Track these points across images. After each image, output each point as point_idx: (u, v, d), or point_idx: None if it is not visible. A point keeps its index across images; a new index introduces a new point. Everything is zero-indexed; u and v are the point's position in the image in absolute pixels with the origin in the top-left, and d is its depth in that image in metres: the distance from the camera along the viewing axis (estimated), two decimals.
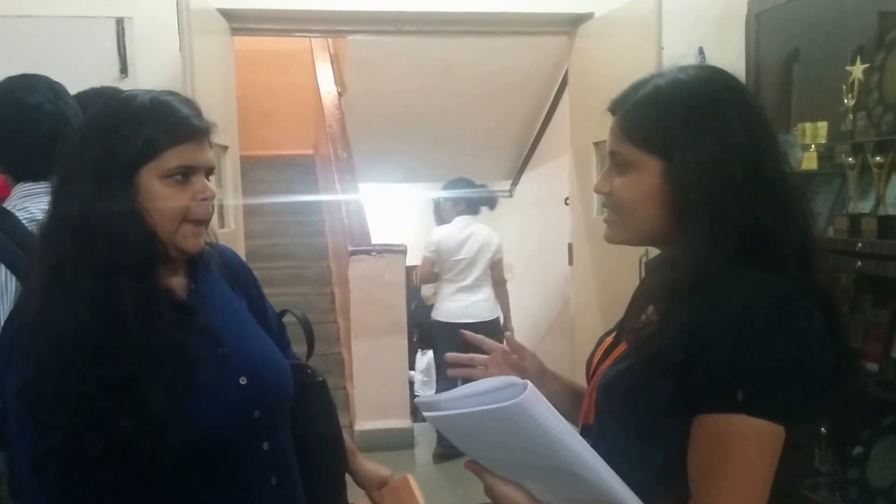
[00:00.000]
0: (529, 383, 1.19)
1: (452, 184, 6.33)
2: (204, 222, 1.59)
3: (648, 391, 1.33)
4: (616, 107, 1.46)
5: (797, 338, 1.25)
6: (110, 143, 1.50)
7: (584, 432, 1.35)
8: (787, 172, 1.42)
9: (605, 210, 1.50)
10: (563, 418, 1.23)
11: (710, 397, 1.25)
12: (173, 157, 1.51)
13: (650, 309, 1.44)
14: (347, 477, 1.97)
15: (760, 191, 1.33)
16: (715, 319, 1.26)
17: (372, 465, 2.00)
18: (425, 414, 1.36)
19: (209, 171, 1.60)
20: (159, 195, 1.51)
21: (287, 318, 1.97)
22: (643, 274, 1.65)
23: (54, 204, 1.54)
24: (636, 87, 1.44)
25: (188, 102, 1.60)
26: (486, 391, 1.25)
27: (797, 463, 1.33)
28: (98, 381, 1.41)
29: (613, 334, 1.58)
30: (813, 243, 1.39)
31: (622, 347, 1.47)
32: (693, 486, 1.28)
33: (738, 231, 1.31)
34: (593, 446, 1.27)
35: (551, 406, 1.22)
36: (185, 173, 1.54)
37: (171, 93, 1.61)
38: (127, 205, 1.49)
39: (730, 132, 1.33)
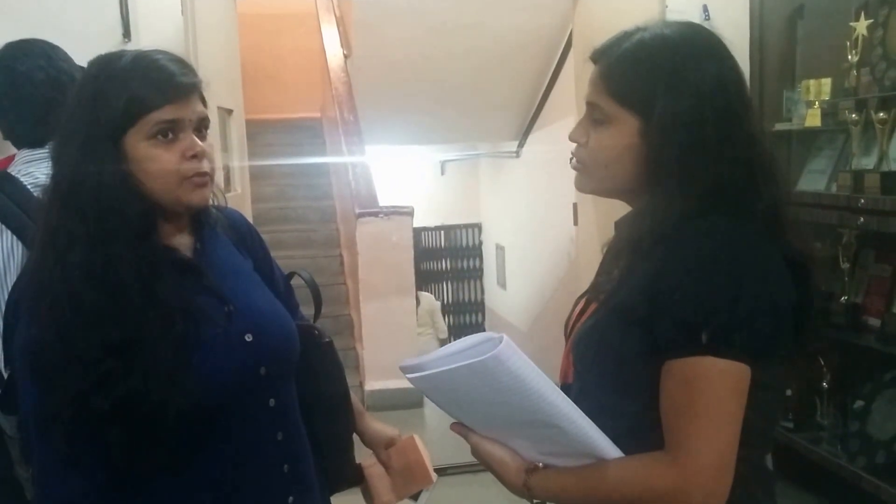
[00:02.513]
0: (505, 336, 1.22)
1: None
2: (203, 176, 1.55)
3: (617, 342, 1.36)
4: (599, 56, 1.47)
5: (757, 279, 1.28)
6: (95, 108, 1.48)
7: (564, 391, 1.38)
8: (759, 135, 1.44)
9: (575, 157, 1.51)
10: (539, 371, 1.26)
11: (676, 342, 1.27)
12: (156, 117, 1.48)
13: (618, 268, 1.46)
14: (355, 437, 1.97)
15: (731, 154, 1.35)
16: (676, 266, 1.29)
17: (379, 426, 1.99)
18: (408, 377, 1.38)
19: (200, 125, 1.56)
20: (146, 157, 1.49)
21: (295, 281, 1.96)
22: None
23: (52, 170, 1.54)
24: (619, 40, 1.45)
25: (176, 60, 1.55)
26: (465, 348, 1.28)
27: (770, 404, 1.36)
28: (100, 343, 1.42)
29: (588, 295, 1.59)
30: (782, 202, 1.41)
31: (594, 307, 1.49)
32: (665, 430, 1.30)
33: (703, 188, 1.33)
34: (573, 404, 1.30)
35: (527, 358, 1.24)
36: (171, 130, 1.50)
37: (160, 51, 1.57)
38: (114, 170, 1.47)
39: (707, 93, 1.35)
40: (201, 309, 1.54)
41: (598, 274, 1.57)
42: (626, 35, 1.45)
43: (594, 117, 1.45)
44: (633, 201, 1.48)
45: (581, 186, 1.52)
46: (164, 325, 1.46)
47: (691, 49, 1.39)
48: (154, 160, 1.50)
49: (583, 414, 1.30)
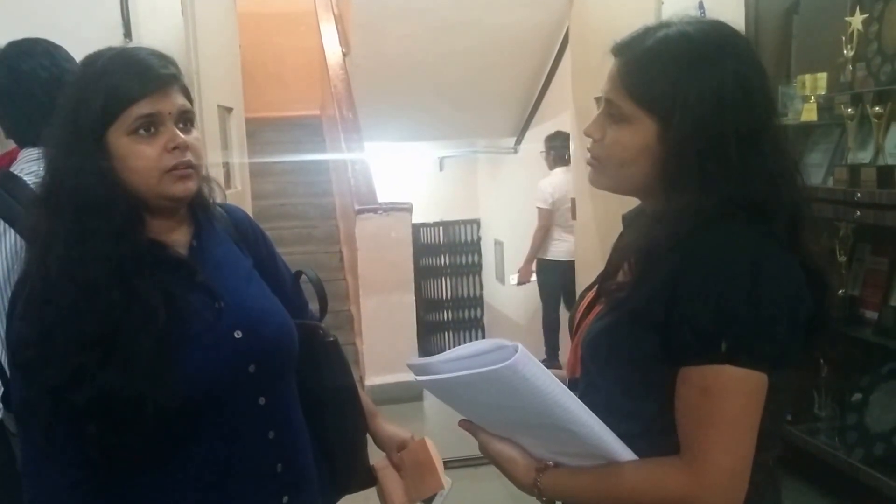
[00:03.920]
0: (520, 345, 1.21)
1: (552, 137, 7.16)
2: (186, 167, 1.55)
3: (631, 347, 1.35)
4: (620, 51, 1.42)
5: (777, 288, 1.26)
6: (76, 107, 1.50)
7: (571, 386, 1.37)
8: (782, 136, 1.41)
9: (590, 153, 1.47)
10: (554, 377, 1.26)
11: (694, 350, 1.26)
12: (135, 110, 1.49)
13: (626, 265, 1.45)
14: (368, 439, 1.95)
15: (753, 161, 1.32)
16: (695, 273, 1.26)
17: (391, 428, 1.96)
18: (416, 378, 1.37)
19: (182, 118, 1.56)
20: (129, 153, 1.50)
21: (301, 279, 1.95)
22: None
23: (44, 170, 1.56)
24: (643, 36, 1.40)
25: (156, 54, 1.56)
26: (475, 353, 1.27)
27: (780, 406, 1.36)
28: (77, 338, 1.43)
29: (595, 289, 1.58)
30: (803, 206, 1.39)
31: (603, 305, 1.47)
32: (682, 437, 1.30)
33: (722, 194, 1.30)
34: (580, 399, 1.30)
35: (542, 366, 1.24)
36: (152, 124, 1.50)
37: (141, 47, 1.58)
38: (95, 167, 1.48)
39: (729, 96, 1.31)
40: (189, 304, 1.54)
41: (607, 270, 1.55)
42: (649, 31, 1.39)
43: (611, 113, 1.41)
44: (648, 199, 1.46)
45: (595, 183, 1.48)
46: (145, 321, 1.46)
47: (714, 49, 1.34)
48: (136, 155, 1.50)
49: (597, 418, 1.30)
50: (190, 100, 1.60)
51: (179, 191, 1.55)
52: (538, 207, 7.01)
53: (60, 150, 1.50)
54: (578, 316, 1.59)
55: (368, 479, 1.93)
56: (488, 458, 1.46)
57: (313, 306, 1.98)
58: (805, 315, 1.31)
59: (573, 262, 6.27)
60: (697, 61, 1.33)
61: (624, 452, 1.33)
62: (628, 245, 1.49)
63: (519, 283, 7.28)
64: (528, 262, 7.14)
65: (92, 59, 1.56)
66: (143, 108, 1.49)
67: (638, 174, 1.40)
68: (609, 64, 1.44)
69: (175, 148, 1.52)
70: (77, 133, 1.49)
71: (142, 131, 1.50)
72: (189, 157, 1.54)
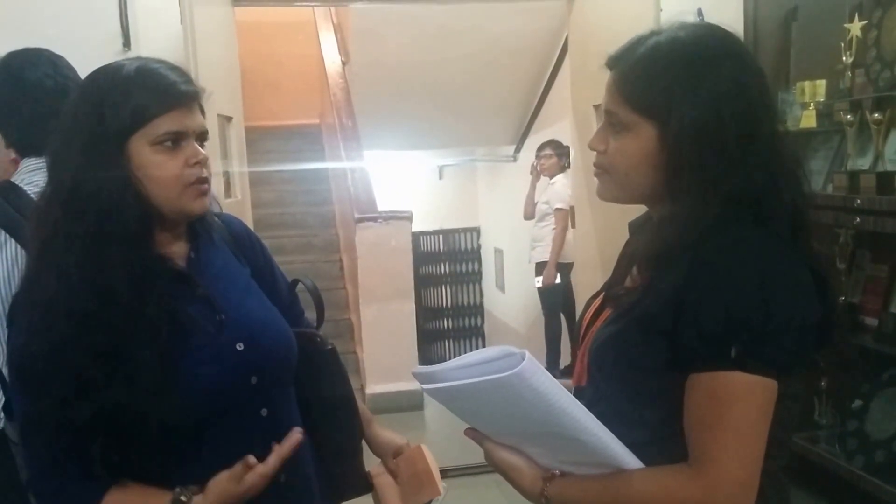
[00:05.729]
0: (527, 352, 1.21)
1: (544, 145, 7.35)
2: (204, 182, 1.58)
3: (640, 353, 1.34)
4: (614, 63, 1.44)
5: (786, 293, 1.26)
6: (99, 114, 1.49)
7: (578, 395, 1.36)
8: (782, 138, 1.41)
9: (595, 166, 1.48)
10: (561, 385, 1.25)
11: (704, 356, 1.26)
12: (162, 124, 1.51)
13: (635, 270, 1.44)
14: (364, 445, 1.95)
15: (753, 158, 1.32)
16: (704, 278, 1.26)
17: (388, 434, 1.97)
18: (423, 386, 1.36)
19: (201, 136, 1.59)
20: (150, 163, 1.51)
21: (298, 287, 1.95)
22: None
23: (49, 177, 1.55)
24: (634, 45, 1.41)
25: (176, 69, 1.58)
26: (482, 361, 1.26)
27: (788, 414, 1.35)
28: (85, 350, 1.43)
29: (601, 296, 1.58)
30: (805, 208, 1.38)
31: (610, 310, 1.48)
32: (690, 443, 1.29)
33: (726, 195, 1.30)
34: (587, 408, 1.29)
35: (549, 374, 1.23)
36: (175, 139, 1.53)
37: (159, 60, 1.60)
38: (116, 173, 1.49)
39: (725, 96, 1.32)
40: (191, 318, 1.54)
41: (614, 277, 1.55)
42: (641, 40, 1.41)
43: (612, 123, 1.42)
44: (655, 206, 1.46)
45: (602, 194, 1.49)
46: (150, 335, 1.46)
47: (707, 52, 1.36)
48: (159, 166, 1.52)
49: (604, 427, 1.29)
50: (204, 116, 1.62)
51: (198, 207, 1.57)
52: (558, 209, 6.97)
53: (80, 153, 1.49)
54: (585, 323, 1.58)
55: (364, 485, 1.93)
56: (494, 467, 1.46)
57: (310, 315, 1.97)
58: (814, 320, 1.30)
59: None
60: (690, 64, 1.35)
61: (631, 461, 1.32)
62: (636, 251, 1.48)
63: (545, 285, 7.25)
64: (553, 264, 7.14)
65: (114, 69, 1.56)
66: (171, 122, 1.51)
67: (643, 181, 1.41)
68: (607, 75, 1.45)
69: (196, 163, 1.55)
70: (100, 138, 1.49)
71: (167, 144, 1.52)
72: (205, 172, 1.57)
